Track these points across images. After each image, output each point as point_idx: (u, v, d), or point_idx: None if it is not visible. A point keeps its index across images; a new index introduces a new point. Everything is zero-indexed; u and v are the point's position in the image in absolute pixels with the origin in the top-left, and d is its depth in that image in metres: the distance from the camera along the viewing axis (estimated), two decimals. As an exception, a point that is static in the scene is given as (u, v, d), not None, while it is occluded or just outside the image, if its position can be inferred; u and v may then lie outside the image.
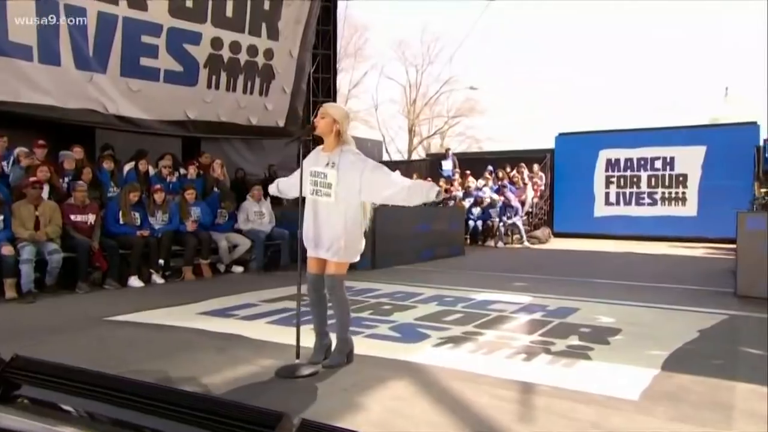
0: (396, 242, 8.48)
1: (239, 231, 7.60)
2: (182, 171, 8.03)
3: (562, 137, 14.72)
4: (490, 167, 14.45)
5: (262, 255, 7.56)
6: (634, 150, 13.45)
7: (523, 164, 14.25)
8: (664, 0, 35.41)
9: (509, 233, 12.20)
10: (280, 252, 7.70)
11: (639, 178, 13.46)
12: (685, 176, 12.79)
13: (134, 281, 6.31)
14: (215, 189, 7.94)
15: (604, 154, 13.91)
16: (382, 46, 45.16)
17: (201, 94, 8.95)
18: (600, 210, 13.96)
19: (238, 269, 7.51)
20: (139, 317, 4.61)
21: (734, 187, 11.80)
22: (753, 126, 12.12)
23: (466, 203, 12.33)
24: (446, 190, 12.90)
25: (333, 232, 3.25)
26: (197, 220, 7.10)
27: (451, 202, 11.69)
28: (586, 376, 3.13)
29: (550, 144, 14.86)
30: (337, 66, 12.00)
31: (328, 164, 3.27)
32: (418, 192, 3.09)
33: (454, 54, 37.11)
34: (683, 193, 12.84)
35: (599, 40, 41.75)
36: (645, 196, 13.37)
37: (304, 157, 3.37)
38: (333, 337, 3.40)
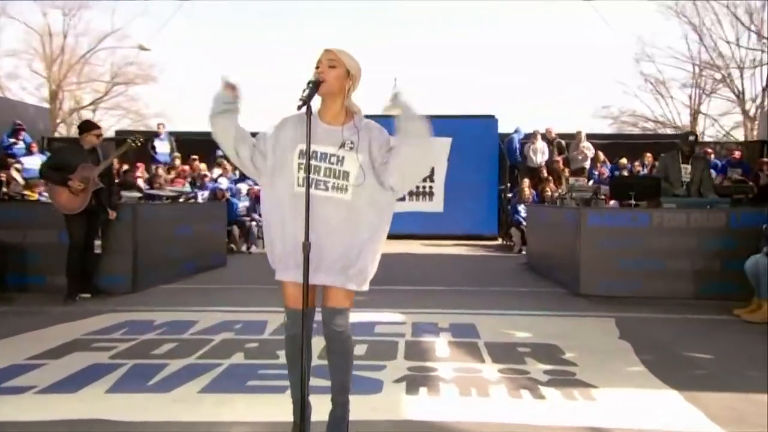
0: (158, 253, 7.43)
1: None
2: None
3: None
4: (220, 152, 13.86)
5: None
6: None
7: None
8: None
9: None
10: None
11: (386, 170, 14.80)
12: (432, 169, 14.68)
13: None
14: None
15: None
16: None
17: None
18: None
19: None
20: None
21: (478, 182, 14.14)
22: (492, 119, 14.75)
23: (200, 198, 11.54)
24: (173, 181, 11.85)
25: (347, 247, 2.67)
26: None
27: (191, 200, 10.71)
28: (627, 410, 3.32)
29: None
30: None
31: (343, 144, 2.66)
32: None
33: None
34: (430, 187, 14.72)
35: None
36: (393, 190, 14.79)
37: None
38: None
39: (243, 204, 12.08)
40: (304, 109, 2.54)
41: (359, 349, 4.46)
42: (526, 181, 12.24)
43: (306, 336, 2.73)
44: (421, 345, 4.65)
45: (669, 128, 29.46)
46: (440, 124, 14.69)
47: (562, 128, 14.32)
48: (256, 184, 12.40)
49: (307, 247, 2.57)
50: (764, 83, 26.40)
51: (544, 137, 13.18)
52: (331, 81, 2.63)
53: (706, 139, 22.90)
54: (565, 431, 3.05)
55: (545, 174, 12.42)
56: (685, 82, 29.14)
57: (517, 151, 13.52)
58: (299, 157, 2.63)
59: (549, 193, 11.30)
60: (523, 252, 11.23)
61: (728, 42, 26.52)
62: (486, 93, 36.94)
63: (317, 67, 2.66)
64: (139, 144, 6.99)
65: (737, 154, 12.44)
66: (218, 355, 4.32)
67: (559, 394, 3.55)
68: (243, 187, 12.23)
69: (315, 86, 2.59)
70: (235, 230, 11.63)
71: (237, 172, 13.32)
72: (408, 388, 3.62)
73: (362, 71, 2.77)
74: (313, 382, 2.95)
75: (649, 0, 30.77)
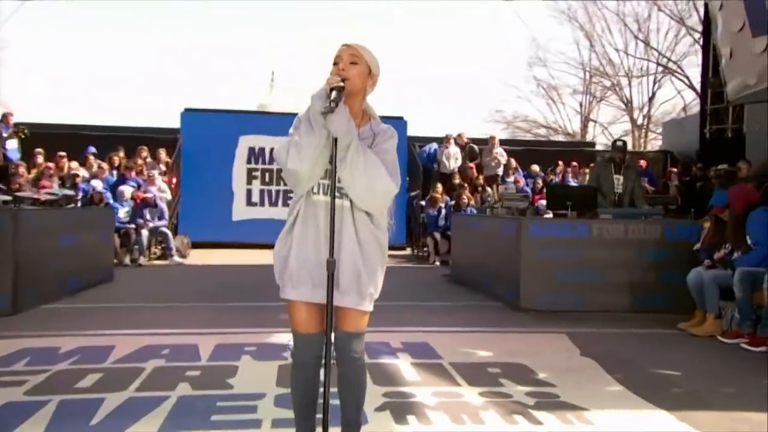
0: (42, 267, 6.79)
1: None
2: None
3: (189, 114, 14.38)
4: (92, 148, 13.00)
5: None
6: (270, 138, 14.08)
7: (144, 147, 13.38)
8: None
9: (156, 244, 11.28)
10: None
11: (272, 173, 14.23)
12: (335, 173, 14.56)
13: None
14: None
15: (246, 141, 14.36)
16: None
17: None
18: (240, 212, 14.35)
19: None
20: None
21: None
22: (401, 121, 14.83)
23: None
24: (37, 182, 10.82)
25: (361, 263, 2.56)
26: None
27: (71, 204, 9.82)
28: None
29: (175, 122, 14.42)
30: None
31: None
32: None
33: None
34: (335, 192, 14.58)
35: None
36: (280, 196, 14.38)
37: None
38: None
39: (125, 210, 11.24)
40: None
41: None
42: (440, 187, 12.40)
43: (316, 363, 2.63)
44: (385, 367, 4.53)
45: (561, 134, 31.28)
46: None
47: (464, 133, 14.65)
48: (139, 187, 11.69)
49: (332, 265, 2.44)
50: (650, 93, 28.67)
51: (457, 142, 13.47)
52: (353, 79, 2.54)
53: (598, 147, 24.51)
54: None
55: (458, 180, 12.66)
56: (576, 88, 31.07)
57: (430, 155, 13.71)
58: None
59: (466, 200, 11.52)
60: (437, 263, 11.38)
61: (617, 50, 28.57)
62: (390, 94, 37.40)
63: (336, 63, 2.55)
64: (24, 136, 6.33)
65: (642, 163, 13.37)
66: (159, 387, 3.97)
67: (553, 418, 3.55)
68: (127, 190, 11.41)
69: (341, 91, 2.47)
70: (116, 240, 10.77)
71: (114, 173, 12.53)
72: (395, 418, 3.51)
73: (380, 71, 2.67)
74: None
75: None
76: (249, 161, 14.46)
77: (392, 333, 5.52)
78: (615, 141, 8.25)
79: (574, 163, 13.46)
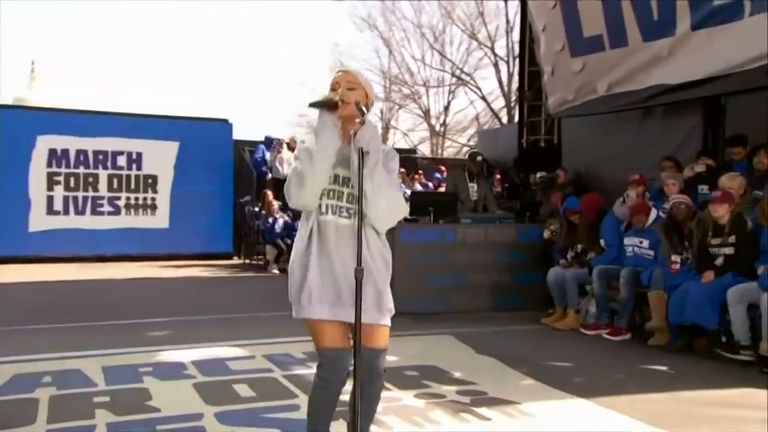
0: None
1: None
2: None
3: (-28, 109, 12.93)
4: None
5: None
6: (90, 140, 13.30)
7: None
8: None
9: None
10: None
11: (97, 177, 13.47)
12: (155, 178, 13.78)
13: None
14: None
15: (45, 142, 13.14)
16: None
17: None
18: (39, 222, 13.07)
19: None
20: None
21: (210, 193, 13.83)
22: (226, 124, 14.50)
23: None
24: None
25: (375, 279, 2.73)
26: None
27: None
28: (570, 421, 3.84)
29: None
30: None
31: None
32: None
33: None
34: (153, 199, 13.79)
35: None
36: (105, 202, 13.53)
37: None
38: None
39: None
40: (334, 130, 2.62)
41: (243, 390, 4.26)
42: (269, 194, 12.33)
43: (343, 379, 2.72)
44: (306, 378, 4.52)
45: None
46: (165, 126, 14.15)
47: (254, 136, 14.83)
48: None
49: (360, 273, 2.52)
50: (446, 102, 30.90)
51: (289, 147, 13.49)
52: (352, 104, 2.67)
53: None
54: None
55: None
56: (377, 95, 32.44)
57: (262, 159, 13.58)
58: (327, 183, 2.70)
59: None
60: (276, 271, 11.36)
61: (415, 59, 30.36)
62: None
63: (333, 89, 2.72)
64: None
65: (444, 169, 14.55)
66: (75, 416, 3.70)
67: (496, 413, 3.88)
68: None
69: (327, 105, 2.63)
70: None
71: None
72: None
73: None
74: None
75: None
76: (50, 164, 13.27)
77: (291, 344, 5.52)
78: (471, 153, 8.93)
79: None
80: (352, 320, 2.56)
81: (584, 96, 9.70)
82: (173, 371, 4.71)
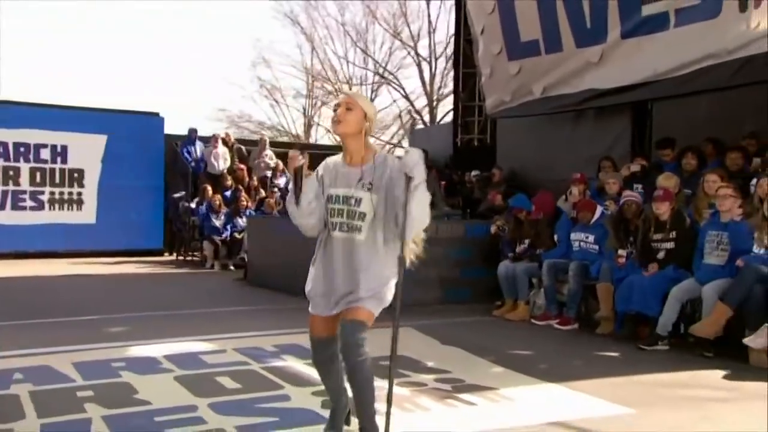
0: None
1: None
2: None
3: None
4: None
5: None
6: (11, 131, 12.84)
7: None
8: None
9: None
10: None
11: (18, 171, 12.95)
12: (81, 172, 13.33)
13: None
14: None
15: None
16: None
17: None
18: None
19: None
20: None
21: (140, 188, 13.55)
22: (157, 117, 14.21)
23: None
24: None
25: (374, 280, 3.15)
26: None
27: None
28: (548, 405, 4.10)
29: None
30: None
31: (360, 184, 3.04)
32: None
33: None
34: (79, 193, 13.35)
35: None
36: (27, 197, 13.03)
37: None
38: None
39: None
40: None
41: (227, 382, 4.34)
42: (209, 189, 12.24)
43: (331, 359, 3.31)
44: (285, 370, 4.69)
45: (285, 136, 32.28)
46: (92, 119, 13.74)
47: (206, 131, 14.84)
48: None
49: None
50: (369, 99, 31.16)
51: (225, 142, 13.41)
52: (350, 122, 3.02)
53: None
54: (531, 429, 3.64)
55: (229, 183, 12.64)
56: (300, 91, 32.35)
57: (193, 154, 13.42)
58: (328, 202, 3.11)
59: (245, 203, 11.62)
60: (216, 268, 11.31)
61: (338, 56, 30.49)
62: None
63: (335, 110, 3.06)
64: None
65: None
66: (64, 411, 3.72)
67: (480, 398, 4.12)
68: None
69: (301, 170, 3.04)
70: None
71: None
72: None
73: (377, 114, 3.24)
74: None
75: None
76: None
77: (258, 337, 5.61)
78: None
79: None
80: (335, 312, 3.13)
81: (520, 98, 10.17)
82: (148, 366, 4.72)
